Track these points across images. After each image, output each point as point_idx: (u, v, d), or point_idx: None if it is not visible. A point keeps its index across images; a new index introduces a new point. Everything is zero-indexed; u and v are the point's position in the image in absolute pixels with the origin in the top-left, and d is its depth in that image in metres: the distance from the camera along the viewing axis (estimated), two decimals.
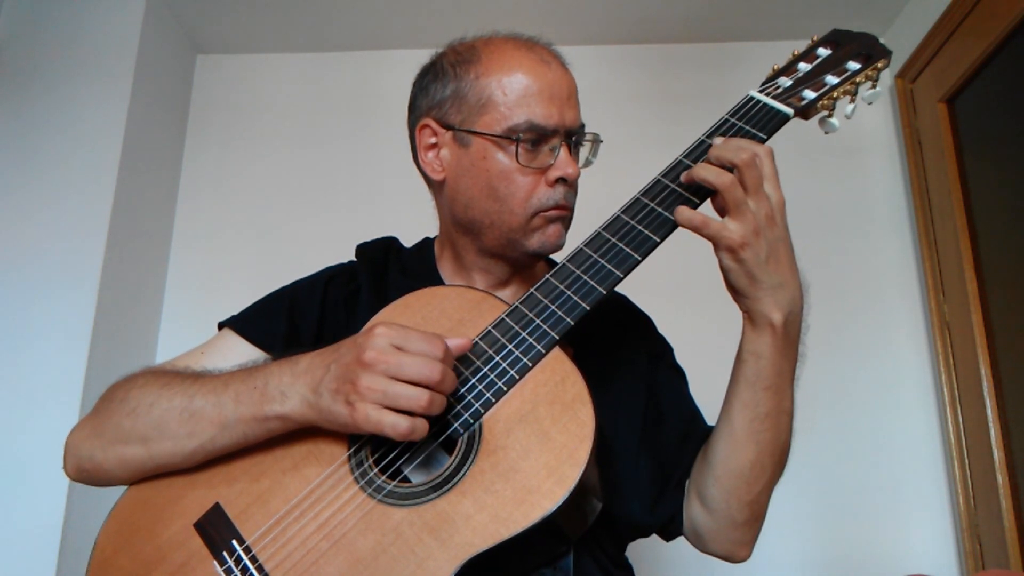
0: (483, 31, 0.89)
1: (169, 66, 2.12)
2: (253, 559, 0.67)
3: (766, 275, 0.69)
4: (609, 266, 0.73)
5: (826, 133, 0.82)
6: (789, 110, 0.76)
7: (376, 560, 0.65)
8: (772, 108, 0.77)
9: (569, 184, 0.83)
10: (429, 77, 0.88)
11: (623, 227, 0.74)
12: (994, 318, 1.70)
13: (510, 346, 0.72)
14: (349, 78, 2.23)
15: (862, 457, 1.84)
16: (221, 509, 0.71)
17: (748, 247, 0.68)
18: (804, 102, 0.78)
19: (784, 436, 0.77)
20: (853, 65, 0.80)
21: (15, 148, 1.85)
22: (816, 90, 0.78)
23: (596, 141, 0.89)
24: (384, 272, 0.93)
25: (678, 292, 1.84)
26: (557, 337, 0.71)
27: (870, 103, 0.81)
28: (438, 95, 0.86)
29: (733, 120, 0.77)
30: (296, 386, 0.69)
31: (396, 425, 0.63)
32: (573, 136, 0.84)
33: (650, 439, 0.85)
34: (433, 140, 0.87)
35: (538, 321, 0.72)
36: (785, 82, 0.80)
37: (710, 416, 0.87)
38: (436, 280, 0.92)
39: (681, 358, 0.97)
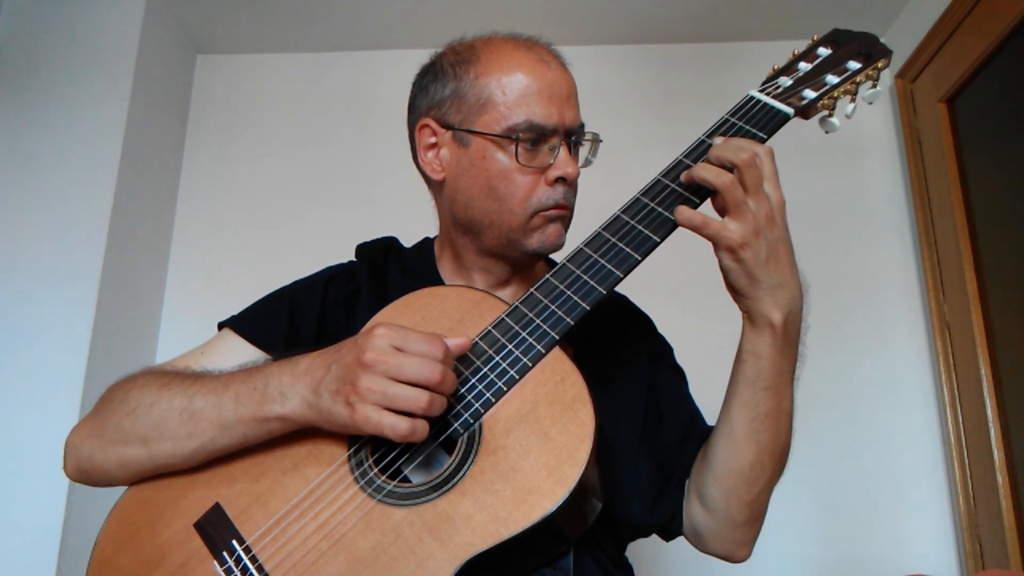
0: (483, 31, 0.89)
1: (169, 66, 2.12)
2: (253, 559, 0.67)
3: (766, 275, 0.69)
4: (609, 266, 0.73)
5: (826, 133, 0.82)
6: (789, 110, 0.76)
7: (376, 560, 0.65)
8: (772, 108, 0.77)
9: (569, 183, 0.83)
10: (429, 77, 0.88)
11: (623, 227, 0.74)
12: (994, 318, 1.70)
13: (510, 346, 0.71)
14: (349, 78, 2.23)
15: (862, 457, 1.84)
16: (221, 509, 0.71)
17: (748, 247, 0.68)
18: (804, 102, 0.78)
19: (784, 436, 0.77)
20: (853, 65, 0.80)
21: (15, 148, 1.85)
22: (816, 90, 0.78)
23: (596, 141, 0.89)
24: (384, 272, 0.93)
25: (678, 292, 1.84)
26: (557, 337, 0.71)
27: (870, 103, 0.81)
28: (438, 95, 0.86)
29: (733, 120, 0.77)
30: (296, 387, 0.69)
31: (396, 426, 0.63)
32: (573, 136, 0.84)
33: (650, 439, 0.85)
34: (433, 140, 0.87)
35: (538, 321, 0.72)
36: (785, 82, 0.80)
37: (710, 416, 0.87)
38: (436, 280, 0.92)
39: (681, 358, 0.97)
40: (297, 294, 0.91)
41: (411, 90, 0.92)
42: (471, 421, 0.69)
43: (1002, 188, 1.70)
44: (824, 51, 0.83)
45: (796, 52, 0.84)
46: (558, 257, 0.78)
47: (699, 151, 0.76)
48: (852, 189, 2.04)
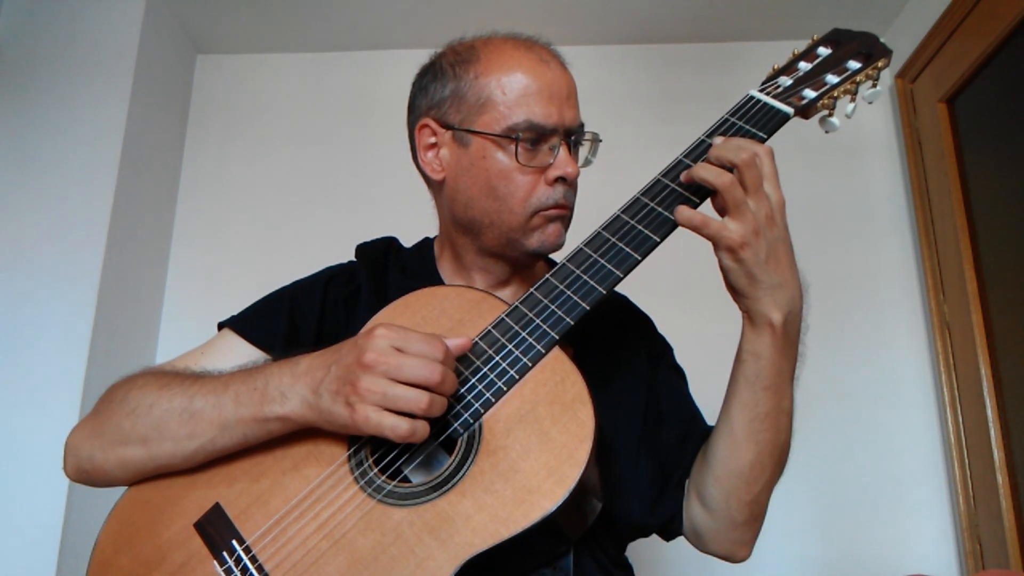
0: (482, 31, 0.89)
1: (169, 66, 2.12)
2: (253, 559, 0.67)
3: (766, 275, 0.69)
4: (609, 266, 0.73)
5: (826, 132, 0.82)
6: (789, 109, 0.76)
7: (376, 560, 0.65)
8: (772, 107, 0.77)
9: (569, 183, 0.83)
10: (428, 77, 0.88)
11: (623, 227, 0.74)
12: (994, 318, 1.70)
13: (510, 346, 0.71)
14: (349, 78, 2.23)
15: (862, 457, 1.84)
16: (221, 509, 0.71)
17: (748, 247, 0.68)
18: (804, 101, 0.78)
19: (784, 436, 0.77)
20: (853, 64, 0.80)
21: (15, 148, 1.85)
22: (816, 89, 0.78)
23: (595, 140, 0.89)
24: (384, 272, 0.93)
25: (678, 292, 1.84)
26: (557, 337, 0.71)
27: (870, 102, 0.81)
28: (437, 95, 0.86)
29: (733, 120, 0.77)
30: (296, 387, 0.69)
31: (396, 427, 0.63)
32: (572, 135, 0.84)
33: (650, 439, 0.85)
34: (432, 140, 0.87)
35: (538, 321, 0.72)
36: (785, 81, 0.80)
37: (710, 416, 0.87)
38: (436, 280, 0.92)
39: (681, 358, 0.97)
40: (297, 294, 0.91)
41: (411, 90, 0.92)
42: (471, 421, 0.69)
43: (1002, 188, 1.70)
44: (824, 51, 0.83)
45: (796, 52, 0.84)
46: (558, 257, 0.78)
47: (699, 151, 0.75)
48: (852, 189, 2.04)
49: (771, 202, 0.69)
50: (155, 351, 2.00)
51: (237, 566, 0.67)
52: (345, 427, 0.66)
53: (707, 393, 0.95)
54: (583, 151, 0.88)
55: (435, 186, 0.91)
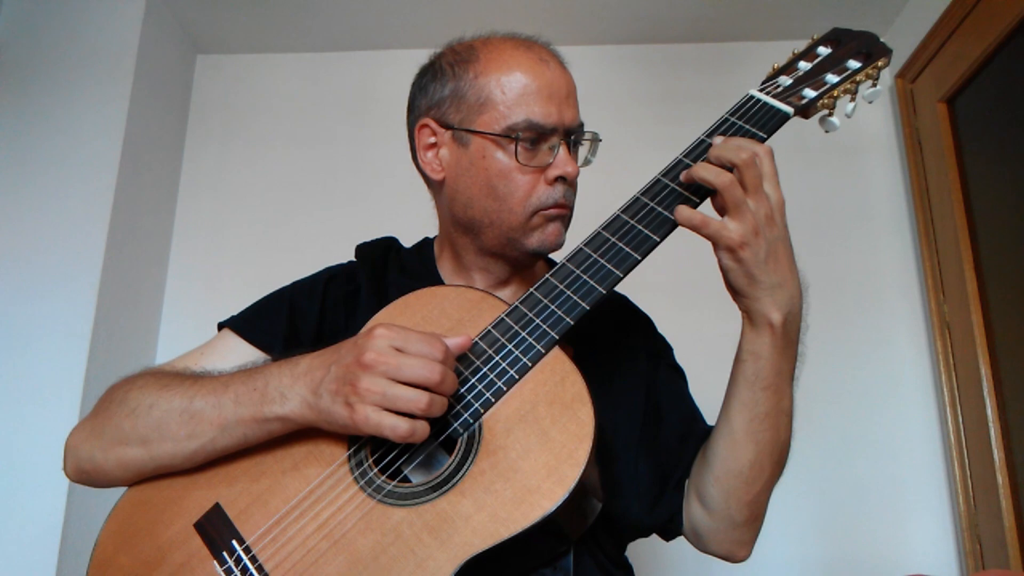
0: (482, 31, 0.89)
1: (169, 66, 2.12)
2: (253, 559, 0.67)
3: (765, 275, 0.69)
4: (609, 266, 0.72)
5: (826, 132, 0.82)
6: (789, 109, 0.76)
7: (376, 560, 0.65)
8: (772, 107, 0.76)
9: (568, 183, 0.83)
10: (428, 77, 0.88)
11: (623, 227, 0.74)
12: (994, 318, 1.70)
13: (510, 346, 0.71)
14: (349, 78, 2.23)
15: (862, 457, 1.83)
16: (221, 509, 0.71)
17: (747, 247, 0.68)
18: (804, 101, 0.77)
19: (783, 436, 0.77)
20: (853, 63, 0.80)
21: (15, 148, 1.85)
22: (816, 89, 0.78)
23: (595, 140, 0.89)
24: (384, 272, 0.93)
25: (678, 292, 1.84)
26: (557, 337, 0.71)
27: (870, 101, 0.81)
28: (437, 95, 0.86)
29: (733, 119, 0.76)
30: (296, 387, 0.69)
31: (396, 427, 0.63)
32: (572, 135, 0.84)
33: (650, 439, 0.85)
34: (432, 140, 0.87)
35: (538, 321, 0.72)
36: (785, 81, 0.80)
37: (710, 416, 0.87)
38: (435, 280, 0.92)
39: (681, 358, 0.97)
40: (297, 294, 0.91)
41: (410, 90, 0.91)
42: (471, 421, 0.69)
43: (1002, 188, 1.70)
44: (824, 50, 0.83)
45: (796, 51, 0.84)
46: (558, 257, 0.78)
47: (699, 151, 0.75)
48: (852, 189, 2.04)
49: (771, 202, 0.69)
50: (155, 351, 2.00)
51: (237, 566, 0.67)
52: (345, 427, 0.66)
53: (707, 393, 0.95)
54: (583, 151, 0.88)
55: (435, 186, 0.91)
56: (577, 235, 0.80)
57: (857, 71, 0.79)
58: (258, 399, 0.70)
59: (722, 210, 0.70)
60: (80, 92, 1.89)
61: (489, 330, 0.73)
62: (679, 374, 0.95)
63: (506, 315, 0.73)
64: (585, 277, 0.73)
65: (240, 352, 0.85)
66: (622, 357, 0.89)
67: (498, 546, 0.63)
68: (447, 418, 0.69)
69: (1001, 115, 1.70)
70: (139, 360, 1.91)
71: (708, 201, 0.73)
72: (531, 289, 0.74)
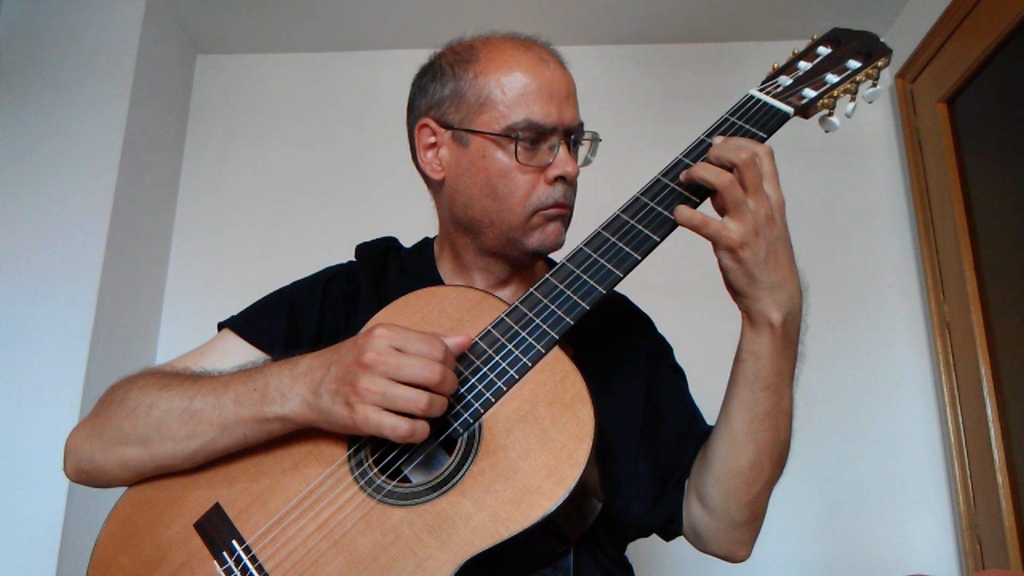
0: (482, 31, 0.89)
1: (169, 66, 2.12)
2: (253, 559, 0.67)
3: (765, 275, 0.69)
4: (609, 266, 0.72)
5: (826, 132, 0.82)
6: (789, 109, 0.76)
7: (376, 560, 0.65)
8: (772, 107, 0.76)
9: (568, 182, 0.83)
10: (428, 77, 0.88)
11: (623, 226, 0.74)
12: (994, 318, 1.70)
13: (510, 346, 0.71)
14: (349, 78, 2.23)
15: (862, 457, 1.83)
16: (221, 509, 0.71)
17: (747, 247, 0.68)
18: (804, 101, 0.77)
19: (783, 436, 0.77)
20: (853, 63, 0.80)
21: (15, 148, 1.85)
22: (816, 89, 0.78)
23: (595, 140, 0.88)
24: (384, 272, 0.93)
25: (678, 292, 1.84)
26: (557, 337, 0.71)
27: (870, 101, 0.81)
28: (437, 95, 0.86)
29: (733, 119, 0.76)
30: (296, 387, 0.69)
31: (396, 427, 0.63)
32: (572, 134, 0.84)
33: (650, 439, 0.85)
34: (432, 140, 0.87)
35: (538, 321, 0.72)
36: (785, 81, 0.80)
37: (710, 416, 0.87)
38: (435, 280, 0.92)
39: (681, 358, 0.97)
40: (297, 294, 0.91)
41: (410, 90, 0.91)
42: (471, 421, 0.69)
43: (1002, 188, 1.70)
44: (824, 50, 0.83)
45: (796, 51, 0.84)
46: (558, 257, 0.78)
47: (699, 150, 0.75)
48: (852, 189, 2.04)
49: (771, 202, 0.69)
50: (155, 351, 2.00)
51: (237, 566, 0.67)
52: (345, 427, 0.66)
53: (707, 393, 0.95)
54: (583, 150, 0.88)
55: (435, 186, 0.91)
56: (577, 235, 0.80)
57: (857, 71, 0.79)
58: (258, 399, 0.70)
59: (722, 210, 0.70)
60: (80, 92, 1.89)
61: (489, 330, 0.73)
62: (679, 374, 0.95)
63: (506, 315, 0.73)
64: (585, 277, 0.73)
65: (240, 352, 0.85)
66: (622, 357, 0.89)
67: (498, 546, 0.63)
68: (447, 418, 0.69)
69: (1001, 115, 1.70)
70: (139, 360, 1.91)
71: (708, 201, 0.73)
72: (531, 289, 0.74)
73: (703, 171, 0.70)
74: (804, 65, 0.81)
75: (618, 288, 0.74)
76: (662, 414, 0.87)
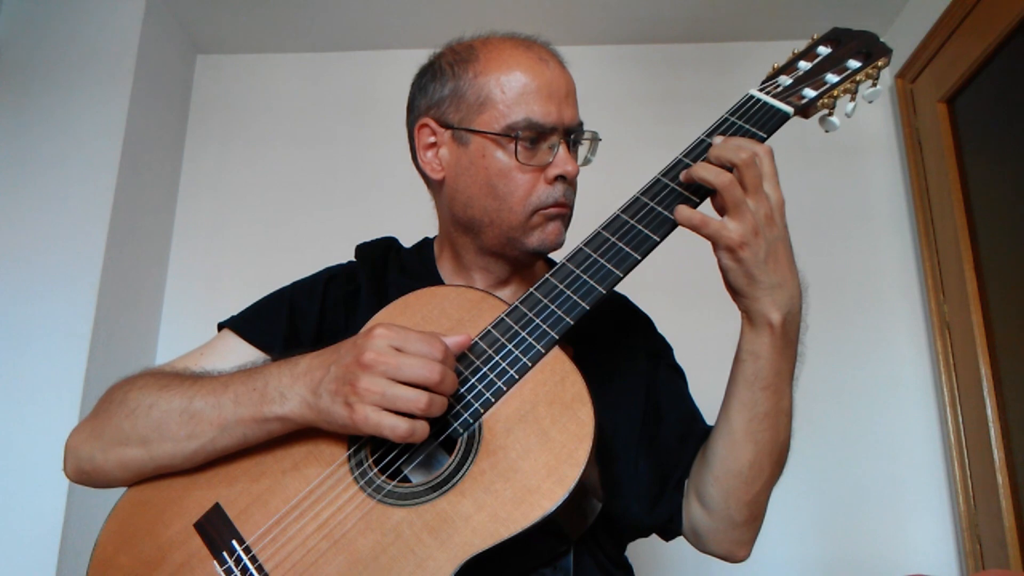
0: (482, 31, 0.89)
1: (169, 66, 2.12)
2: (253, 559, 0.67)
3: (765, 275, 0.69)
4: (609, 265, 0.72)
5: (826, 132, 0.82)
6: (789, 109, 0.76)
7: (376, 560, 0.65)
8: (772, 107, 0.76)
9: (568, 181, 0.83)
10: (427, 77, 0.88)
11: (623, 226, 0.74)
12: (994, 318, 1.70)
13: (510, 346, 0.71)
14: (349, 78, 2.23)
15: (862, 457, 1.83)
16: (221, 509, 0.71)
17: (747, 247, 0.68)
18: (804, 100, 0.77)
19: (783, 436, 0.77)
20: (853, 63, 0.80)
21: (15, 148, 1.85)
22: (816, 88, 0.78)
23: (595, 139, 0.89)
24: (383, 272, 0.93)
25: (678, 292, 1.84)
26: (557, 337, 0.71)
27: (870, 101, 0.81)
28: (436, 94, 0.86)
29: (733, 119, 0.76)
30: (295, 387, 0.69)
31: (395, 427, 0.63)
32: (572, 134, 0.84)
33: (649, 439, 0.85)
34: (432, 139, 0.87)
35: (538, 321, 0.72)
36: (785, 81, 0.80)
37: (710, 416, 0.87)
38: (435, 280, 0.92)
39: (681, 358, 0.97)
40: (297, 294, 0.91)
41: (410, 90, 0.91)
42: (471, 421, 0.69)
43: (1002, 188, 1.70)
44: (824, 50, 0.83)
45: (796, 51, 0.84)
46: (558, 256, 0.78)
47: (699, 150, 0.75)
48: (852, 189, 2.04)
49: (771, 202, 0.69)
50: (155, 351, 2.00)
51: (237, 566, 0.67)
52: (344, 427, 0.66)
53: (707, 393, 0.95)
54: (582, 150, 0.88)
55: (434, 186, 0.91)
56: (577, 235, 0.80)
57: (857, 71, 0.79)
58: (258, 399, 0.70)
59: (722, 210, 0.70)
60: (80, 92, 1.89)
61: (489, 330, 0.73)
62: (679, 374, 0.95)
63: (506, 315, 0.73)
64: (585, 277, 0.73)
65: (240, 352, 0.85)
66: (622, 357, 0.89)
67: (498, 546, 0.63)
68: (447, 418, 0.69)
69: (1001, 115, 1.70)
70: (139, 360, 1.91)
71: (708, 201, 0.73)
72: (531, 289, 0.74)
73: (703, 171, 0.70)
74: (804, 65, 0.81)
75: (618, 288, 0.74)
76: (662, 414, 0.87)
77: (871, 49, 0.80)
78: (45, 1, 1.96)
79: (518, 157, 0.81)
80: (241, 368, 0.77)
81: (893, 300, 1.95)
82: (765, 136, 0.75)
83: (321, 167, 2.15)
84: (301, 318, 0.88)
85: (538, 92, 0.81)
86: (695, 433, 0.87)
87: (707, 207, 0.73)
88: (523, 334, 0.72)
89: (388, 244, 0.99)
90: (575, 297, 0.72)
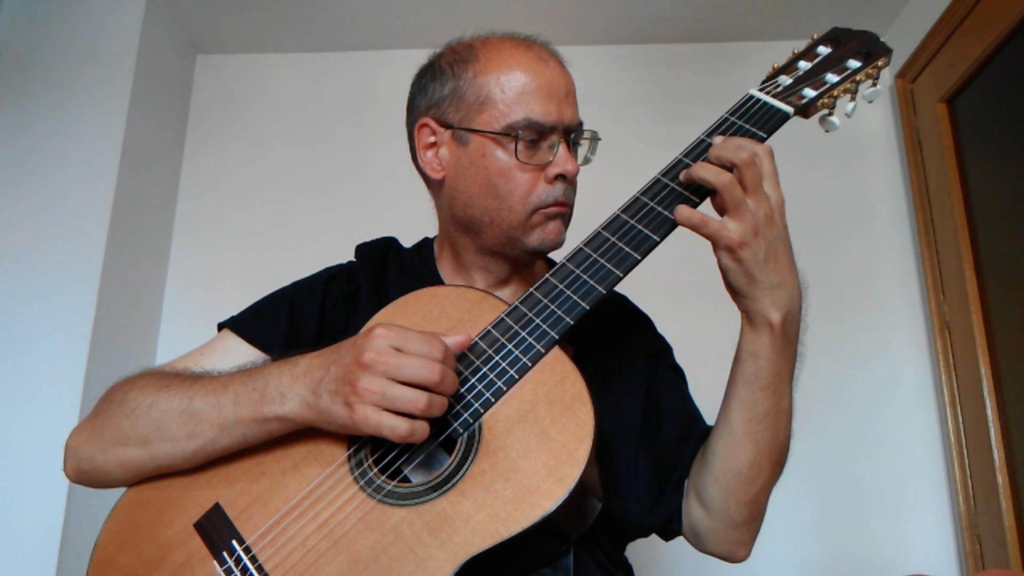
0: (482, 31, 0.89)
1: (169, 66, 2.12)
2: (253, 559, 0.67)
3: (765, 275, 0.69)
4: (609, 265, 0.72)
5: (826, 132, 0.82)
6: (789, 109, 0.76)
7: (376, 560, 0.65)
8: (772, 107, 0.76)
9: (568, 181, 0.83)
10: (427, 77, 0.88)
11: (623, 226, 0.74)
12: (994, 318, 1.70)
13: (509, 346, 0.71)
14: (349, 78, 2.23)
15: (862, 457, 1.83)
16: (221, 509, 0.71)
17: (747, 247, 0.68)
18: (804, 100, 0.77)
19: (783, 436, 0.77)
20: (853, 63, 0.80)
21: (15, 148, 1.85)
22: (816, 88, 0.78)
23: (595, 139, 0.89)
24: (384, 272, 0.93)
25: (678, 292, 1.84)
26: (557, 337, 0.71)
27: (870, 101, 0.81)
28: (436, 94, 0.86)
29: (733, 119, 0.77)
30: (295, 387, 0.69)
31: (395, 427, 0.63)
32: (571, 133, 0.84)
33: (649, 439, 0.85)
34: (432, 139, 0.87)
35: (538, 321, 0.72)
36: (785, 80, 0.80)
37: (710, 416, 0.87)
38: (435, 280, 0.92)
39: (681, 358, 0.97)
40: (297, 294, 0.91)
41: (410, 90, 0.91)
42: (471, 421, 0.69)
43: (1002, 188, 1.70)
44: (824, 50, 0.83)
45: (796, 51, 0.84)
46: (558, 256, 0.78)
47: (699, 150, 0.75)
48: (852, 189, 2.04)
49: (770, 202, 0.69)
50: (155, 351, 2.00)
51: (237, 566, 0.67)
52: (344, 427, 0.66)
53: (707, 393, 0.95)
54: (582, 149, 0.88)
55: (435, 185, 0.91)
56: (577, 235, 0.80)
57: (857, 71, 0.79)
58: (257, 399, 0.70)
59: (722, 210, 0.70)
60: (80, 92, 1.89)
61: (489, 330, 0.73)
62: (679, 374, 0.95)
63: (506, 315, 0.73)
64: (585, 277, 0.73)
65: (240, 352, 0.85)
66: (622, 357, 0.89)
67: (498, 546, 0.63)
68: (447, 418, 0.69)
69: (1001, 115, 1.70)
70: (139, 360, 1.91)
71: (708, 201, 0.73)
72: (531, 289, 0.74)
73: (703, 171, 0.70)
74: (804, 65, 0.81)
75: (618, 288, 0.74)
76: (662, 414, 0.87)
77: (871, 49, 0.80)
78: (45, 1, 1.96)
79: (518, 156, 0.81)
80: (241, 368, 0.77)
81: (893, 300, 1.95)
82: (765, 136, 0.75)
83: (321, 167, 2.15)
84: (301, 318, 0.88)
85: (538, 92, 0.81)
86: (695, 433, 0.87)
87: (707, 207, 0.73)
88: (523, 334, 0.72)
89: (388, 244, 0.99)
90: (575, 297, 0.72)
